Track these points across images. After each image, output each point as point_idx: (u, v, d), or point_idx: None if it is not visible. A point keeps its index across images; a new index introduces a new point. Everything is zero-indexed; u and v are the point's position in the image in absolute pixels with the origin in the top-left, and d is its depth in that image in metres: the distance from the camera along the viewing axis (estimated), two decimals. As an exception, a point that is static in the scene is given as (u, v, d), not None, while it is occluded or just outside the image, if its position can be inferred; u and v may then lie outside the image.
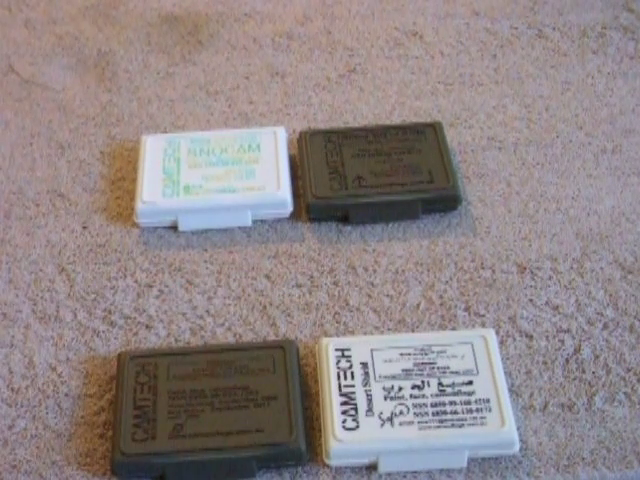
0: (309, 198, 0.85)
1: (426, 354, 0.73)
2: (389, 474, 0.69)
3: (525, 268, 0.81)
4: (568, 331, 0.77)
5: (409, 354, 0.73)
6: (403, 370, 0.72)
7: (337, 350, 0.73)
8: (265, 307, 0.79)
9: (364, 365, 0.72)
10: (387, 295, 0.80)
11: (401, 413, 0.69)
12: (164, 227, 0.85)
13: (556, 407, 0.72)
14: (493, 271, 0.81)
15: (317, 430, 0.71)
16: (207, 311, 0.79)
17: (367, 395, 0.71)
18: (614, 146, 0.91)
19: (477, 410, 0.69)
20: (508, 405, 0.70)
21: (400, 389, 0.71)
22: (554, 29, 1.04)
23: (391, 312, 0.78)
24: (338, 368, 0.72)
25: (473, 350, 0.73)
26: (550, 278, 0.80)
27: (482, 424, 0.69)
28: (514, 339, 0.76)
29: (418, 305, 0.79)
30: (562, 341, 0.76)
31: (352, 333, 0.77)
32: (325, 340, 0.74)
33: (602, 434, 0.70)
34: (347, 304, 0.79)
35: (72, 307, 0.79)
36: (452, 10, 1.07)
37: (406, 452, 0.68)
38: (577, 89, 0.97)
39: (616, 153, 0.91)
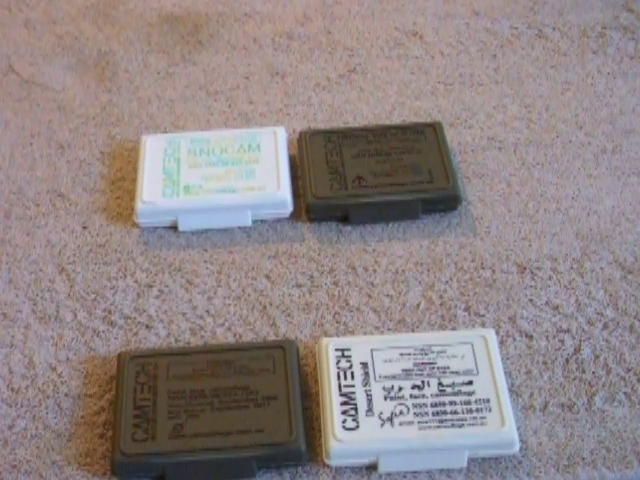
0: (309, 198, 0.85)
1: (426, 354, 0.73)
2: (389, 474, 0.69)
3: (525, 268, 0.81)
4: (568, 331, 0.77)
5: (409, 354, 0.73)
6: (403, 370, 0.72)
7: (337, 350, 0.73)
8: (265, 307, 0.79)
9: (364, 365, 0.72)
10: (387, 295, 0.80)
11: (401, 413, 0.69)
12: (164, 227, 0.85)
13: (556, 407, 0.72)
14: (493, 271, 0.81)
15: (317, 430, 0.71)
16: (207, 311, 0.79)
17: (367, 395, 0.70)
18: (614, 146, 0.91)
19: (477, 410, 0.69)
20: (508, 405, 0.70)
21: (400, 389, 0.71)
22: (554, 29, 1.04)
23: (391, 312, 0.78)
24: (338, 368, 0.72)
25: (473, 350, 0.73)
26: (550, 278, 0.80)
27: (482, 424, 0.69)
28: (514, 339, 0.76)
29: (418, 305, 0.79)
30: (562, 341, 0.76)
31: (352, 333, 0.77)
32: (325, 340, 0.74)
33: (602, 434, 0.70)
34: (347, 304, 0.79)
35: (72, 307, 0.79)
36: (452, 10, 1.07)
37: (406, 452, 0.68)
38: (577, 89, 0.97)
39: (616, 153, 0.90)
